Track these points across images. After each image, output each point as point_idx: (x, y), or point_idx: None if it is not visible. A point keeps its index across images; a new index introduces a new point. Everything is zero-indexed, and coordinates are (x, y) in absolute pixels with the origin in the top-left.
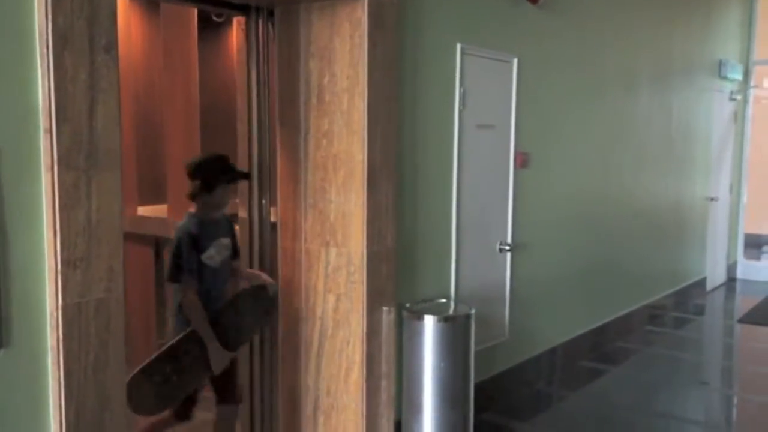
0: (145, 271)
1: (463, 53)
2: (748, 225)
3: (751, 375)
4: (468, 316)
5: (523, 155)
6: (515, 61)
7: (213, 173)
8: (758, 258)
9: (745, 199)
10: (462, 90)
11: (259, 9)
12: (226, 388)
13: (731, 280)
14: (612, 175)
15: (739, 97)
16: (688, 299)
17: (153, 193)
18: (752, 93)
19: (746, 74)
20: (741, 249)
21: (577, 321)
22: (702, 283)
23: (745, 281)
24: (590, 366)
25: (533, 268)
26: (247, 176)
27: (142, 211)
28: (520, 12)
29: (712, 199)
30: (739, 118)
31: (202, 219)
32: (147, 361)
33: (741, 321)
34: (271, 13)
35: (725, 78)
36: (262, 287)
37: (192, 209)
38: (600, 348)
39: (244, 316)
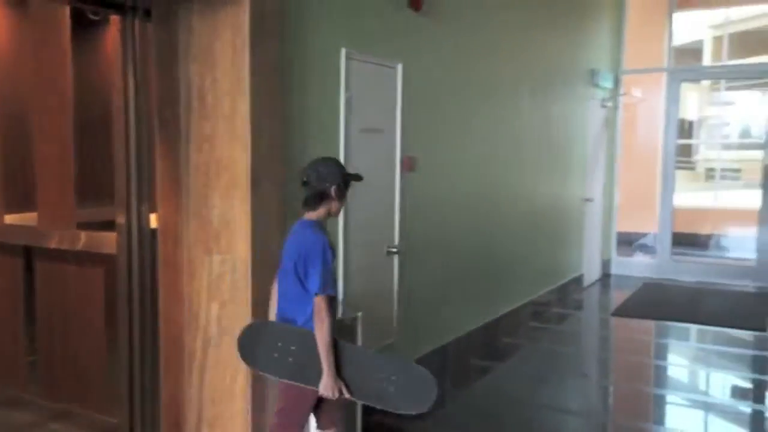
0: (13, 281)
1: (348, 58)
2: (620, 224)
3: (624, 365)
4: (354, 319)
5: (409, 159)
6: (400, 66)
7: (345, 178)
8: (630, 255)
9: (617, 199)
10: (347, 95)
11: (135, 8)
12: (325, 412)
13: (606, 275)
14: (496, 178)
15: (610, 104)
16: (568, 295)
17: (21, 200)
18: (622, 100)
19: (616, 83)
20: (614, 246)
21: (465, 319)
22: (579, 279)
23: (618, 276)
24: (479, 363)
25: (421, 269)
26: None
27: (10, 219)
28: (404, 19)
29: (587, 200)
30: (610, 124)
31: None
32: (283, 325)
33: (614, 314)
34: (148, 13)
35: (598, 86)
36: (429, 379)
37: (311, 217)
38: (488, 345)
39: (390, 387)
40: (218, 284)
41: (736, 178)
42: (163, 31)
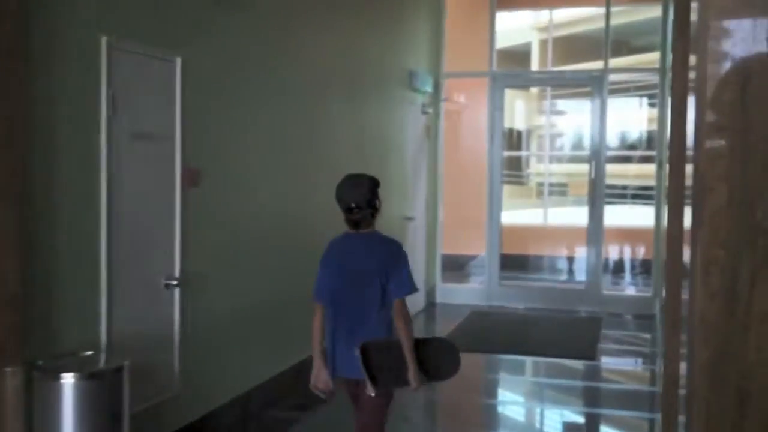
0: None
1: (110, 49)
2: (446, 246)
3: (452, 405)
4: (119, 370)
5: (191, 171)
6: (179, 60)
7: (378, 186)
8: (457, 281)
9: (441, 218)
10: (111, 92)
11: None
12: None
13: (431, 304)
14: (302, 193)
15: (430, 111)
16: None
17: None
18: (444, 107)
19: (437, 86)
20: (439, 272)
21: (267, 363)
22: None
23: (444, 305)
24: (283, 414)
25: (210, 304)
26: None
27: None
28: (186, 5)
29: (408, 219)
30: (431, 132)
31: None
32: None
33: None
34: None
35: (416, 90)
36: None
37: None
38: (295, 392)
39: (437, 359)
40: None
41: (564, 194)
42: None
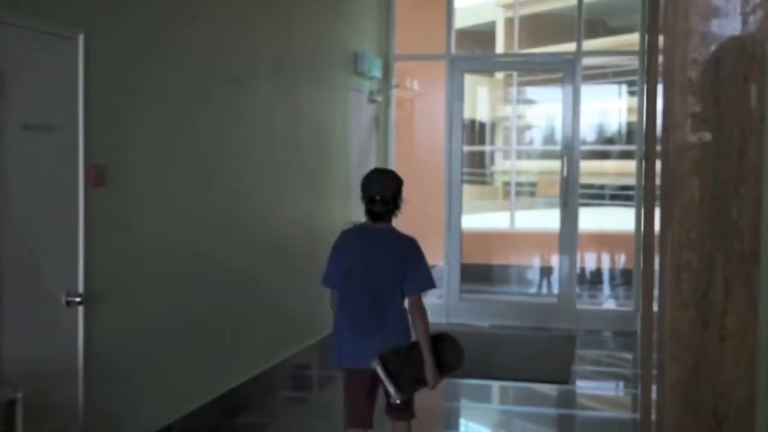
0: None
1: None
2: None
3: None
4: (12, 403)
5: (96, 168)
6: (81, 37)
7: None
8: None
9: (393, 222)
10: None
11: None
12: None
13: None
14: (228, 195)
15: (380, 99)
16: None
17: None
18: (395, 94)
19: (387, 71)
20: None
21: (190, 391)
22: None
23: None
24: None
25: (122, 325)
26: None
27: None
28: None
29: (355, 224)
30: (380, 124)
31: None
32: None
33: None
34: None
35: (362, 75)
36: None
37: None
38: (222, 426)
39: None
40: None
41: (533, 194)
42: None
